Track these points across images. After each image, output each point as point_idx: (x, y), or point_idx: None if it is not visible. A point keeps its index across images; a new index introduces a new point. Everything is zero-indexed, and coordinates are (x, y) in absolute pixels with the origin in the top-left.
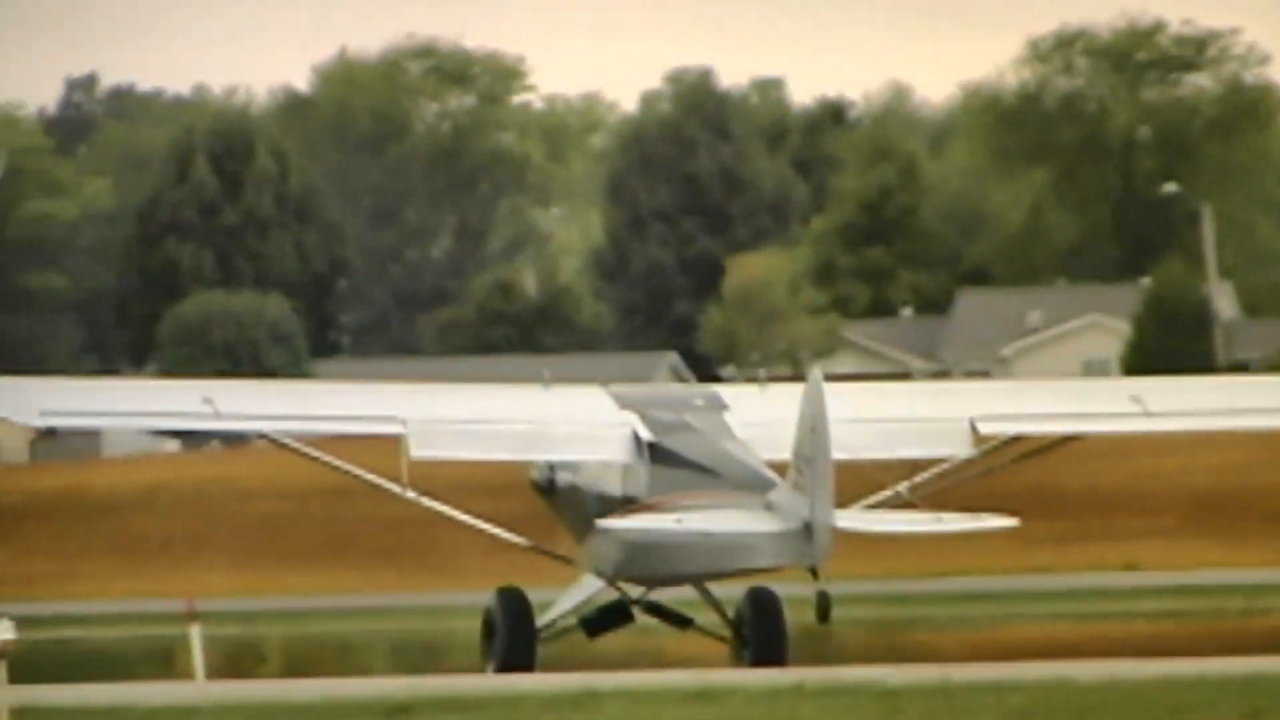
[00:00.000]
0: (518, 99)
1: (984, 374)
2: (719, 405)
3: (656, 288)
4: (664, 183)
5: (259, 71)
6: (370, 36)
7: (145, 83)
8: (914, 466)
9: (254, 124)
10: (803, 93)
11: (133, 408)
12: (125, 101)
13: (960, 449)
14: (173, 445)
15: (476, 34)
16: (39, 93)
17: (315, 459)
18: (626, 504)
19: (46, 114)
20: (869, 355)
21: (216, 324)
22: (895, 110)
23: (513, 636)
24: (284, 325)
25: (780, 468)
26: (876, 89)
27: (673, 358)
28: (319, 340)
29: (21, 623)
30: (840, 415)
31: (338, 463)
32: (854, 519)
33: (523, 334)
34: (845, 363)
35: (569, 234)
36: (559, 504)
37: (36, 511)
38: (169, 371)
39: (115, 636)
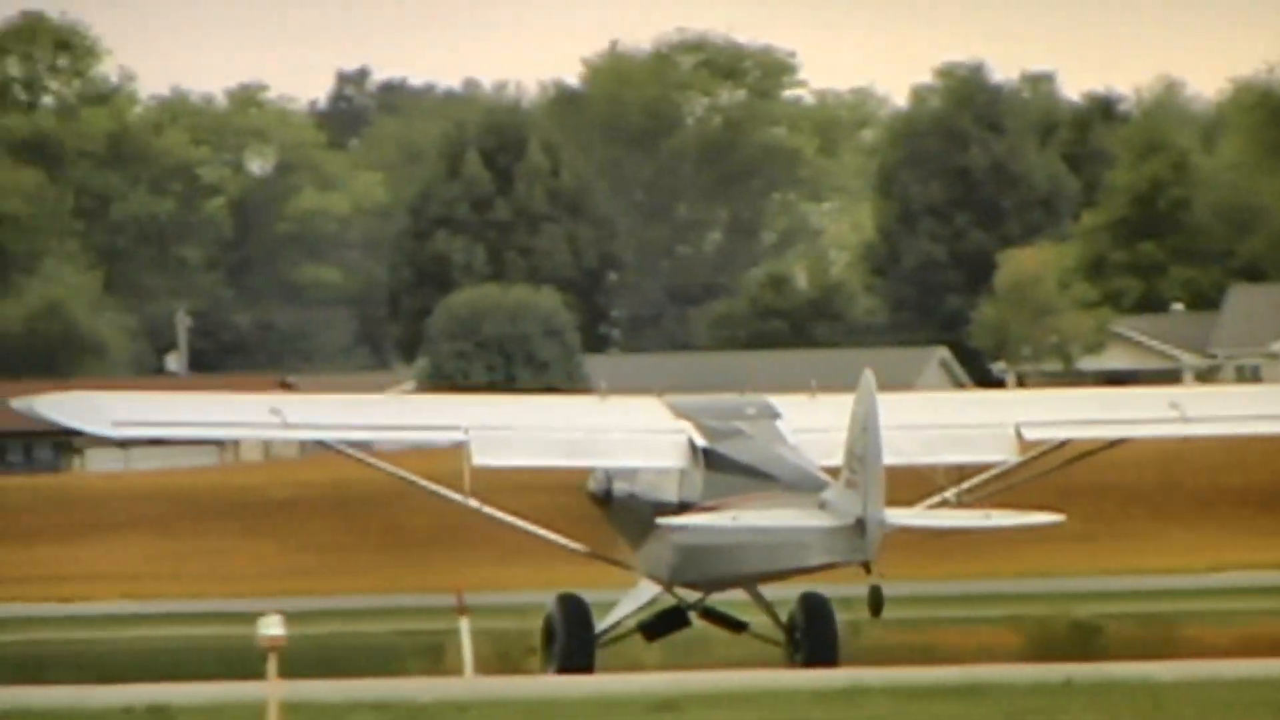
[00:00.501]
0: (789, 93)
1: (1255, 370)
2: (771, 413)
3: (927, 282)
4: (935, 177)
5: (530, 66)
6: (641, 30)
7: (416, 77)
8: (962, 473)
9: (525, 118)
10: (1073, 87)
11: (204, 418)
12: (396, 96)
13: (1006, 454)
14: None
15: (747, 28)
16: (311, 87)
17: (374, 466)
18: (682, 509)
19: (318, 108)
20: (1139, 350)
21: (488, 318)
22: (1166, 104)
23: (573, 641)
24: (556, 319)
25: (834, 474)
26: (1147, 83)
27: (943, 352)
28: (590, 335)
29: (290, 617)
30: (890, 422)
31: (393, 469)
32: (905, 515)
33: (794, 328)
34: (1116, 358)
35: (840, 228)
36: (616, 513)
37: (306, 505)
38: (440, 365)
39: (385, 630)
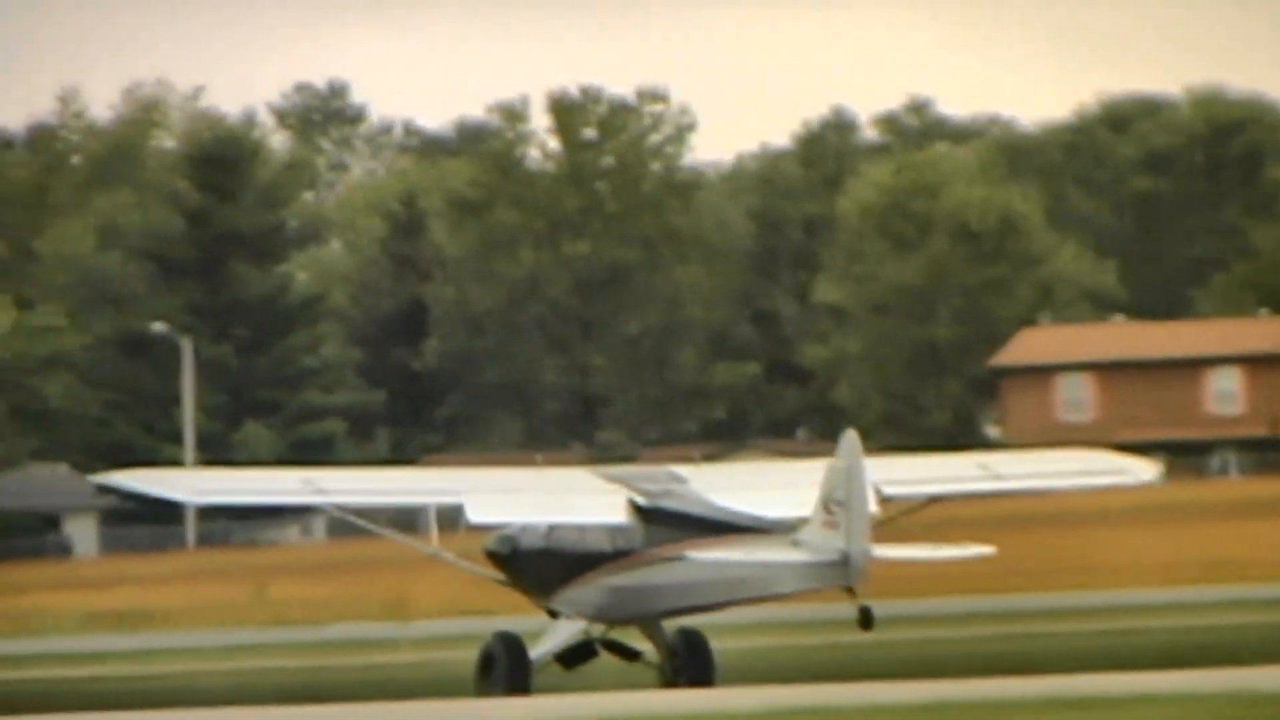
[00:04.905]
0: None
1: None
2: (681, 479)
3: None
4: None
5: None
6: None
7: None
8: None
9: None
10: None
11: (251, 486)
12: None
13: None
14: None
15: None
16: None
17: (362, 526)
18: (620, 556)
19: None
20: None
21: None
22: None
23: (514, 669)
24: None
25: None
26: None
27: None
28: None
29: None
30: (770, 481)
31: (368, 525)
32: (883, 550)
33: None
34: None
35: None
36: (528, 566)
37: None
38: None
39: None
